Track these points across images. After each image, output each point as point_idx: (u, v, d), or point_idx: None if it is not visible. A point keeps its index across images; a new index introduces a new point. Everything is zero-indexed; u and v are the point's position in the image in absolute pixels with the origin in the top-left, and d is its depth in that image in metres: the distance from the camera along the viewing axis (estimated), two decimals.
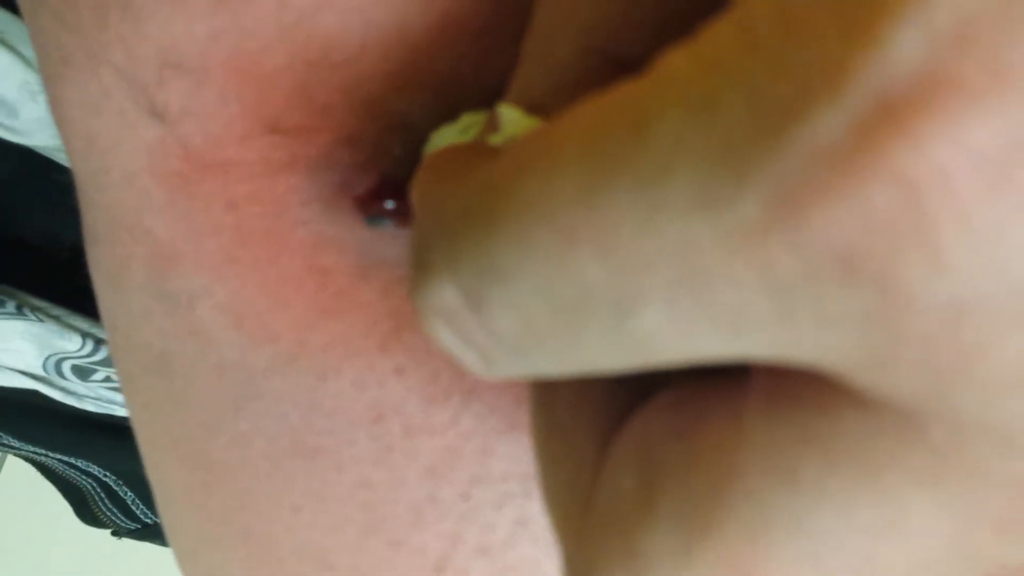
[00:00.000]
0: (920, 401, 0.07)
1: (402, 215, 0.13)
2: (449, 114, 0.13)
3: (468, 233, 0.08)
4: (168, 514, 0.19)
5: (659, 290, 0.07)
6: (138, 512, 0.34)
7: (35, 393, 0.29)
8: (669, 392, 0.09)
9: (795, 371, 0.08)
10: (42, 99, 0.27)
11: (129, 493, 0.33)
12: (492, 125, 0.11)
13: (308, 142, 0.14)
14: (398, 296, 0.14)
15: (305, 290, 0.15)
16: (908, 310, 0.06)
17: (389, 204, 0.13)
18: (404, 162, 0.14)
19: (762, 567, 0.08)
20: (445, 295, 0.09)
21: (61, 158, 0.28)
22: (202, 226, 0.15)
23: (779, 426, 0.08)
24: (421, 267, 0.09)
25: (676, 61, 0.07)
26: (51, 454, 0.32)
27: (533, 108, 0.11)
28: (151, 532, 0.35)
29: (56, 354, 0.28)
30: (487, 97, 0.13)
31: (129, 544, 0.37)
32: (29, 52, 0.26)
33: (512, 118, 0.11)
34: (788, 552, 0.08)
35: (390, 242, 0.14)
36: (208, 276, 0.15)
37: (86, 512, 0.34)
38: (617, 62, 0.11)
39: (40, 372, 0.28)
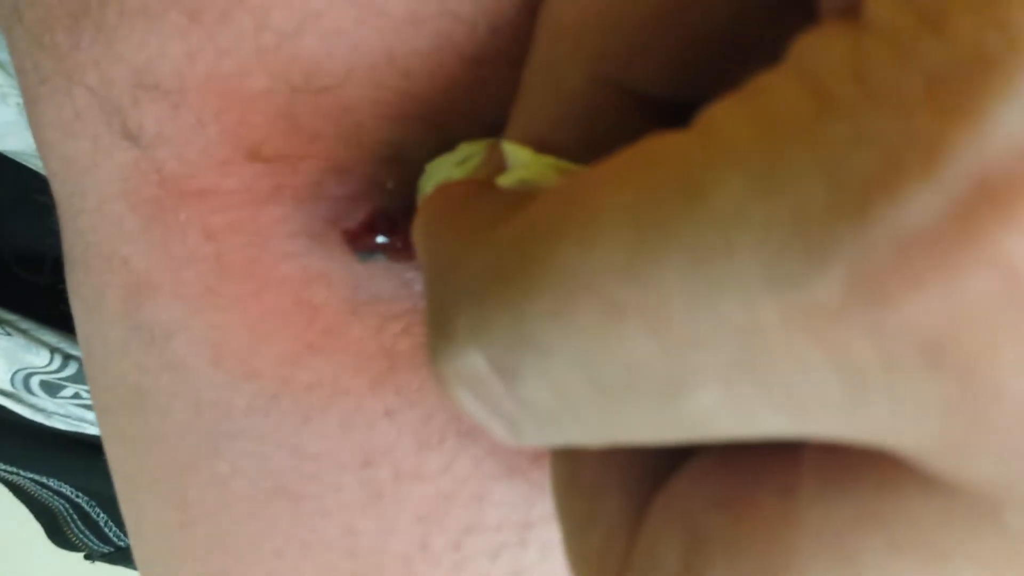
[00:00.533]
0: (997, 487, 0.07)
1: (396, 250, 0.13)
2: (444, 145, 0.12)
3: (498, 299, 0.08)
4: (142, 553, 0.18)
5: (716, 370, 0.07)
6: (111, 535, 0.33)
7: (2, 409, 0.28)
8: (709, 458, 0.09)
9: (852, 449, 0.07)
10: (13, 101, 0.26)
11: (102, 515, 0.32)
12: (497, 162, 0.10)
13: (293, 171, 0.13)
14: (392, 334, 0.14)
15: (291, 326, 0.14)
16: (996, 401, 0.06)
17: (382, 238, 0.12)
18: (397, 195, 0.13)
19: None
20: (471, 363, 0.08)
21: (35, 163, 0.27)
22: (179, 256, 0.14)
23: (837, 505, 0.07)
24: (443, 332, 0.08)
25: (730, 118, 0.07)
26: (23, 473, 0.31)
27: (541, 145, 0.10)
28: (124, 555, 0.34)
29: (24, 369, 0.27)
30: (485, 127, 0.13)
31: (102, 568, 0.36)
32: (1, 55, 0.25)
33: (521, 158, 0.10)
34: None
35: (383, 277, 0.13)
36: (185, 308, 0.14)
37: (59, 535, 0.33)
38: (634, 95, 0.10)
39: (8, 388, 0.27)
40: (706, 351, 0.06)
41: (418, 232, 0.10)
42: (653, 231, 0.07)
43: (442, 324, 0.08)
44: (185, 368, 0.15)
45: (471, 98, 0.13)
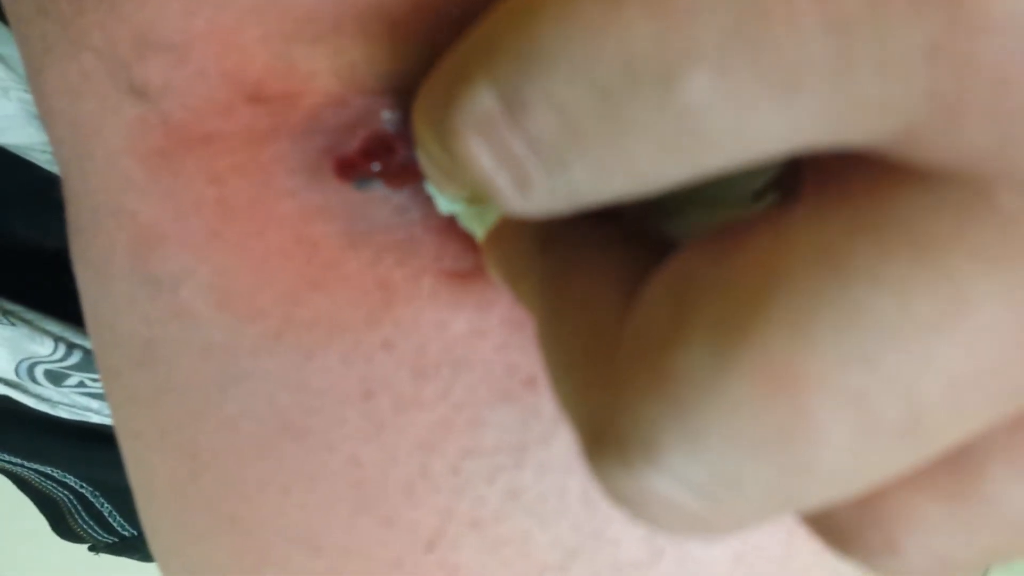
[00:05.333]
0: (987, 161, 0.07)
1: (392, 176, 0.13)
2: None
3: (507, 28, 0.08)
4: (149, 512, 0.18)
5: (710, 48, 0.07)
6: (115, 524, 0.33)
7: (7, 399, 0.28)
8: (699, 238, 0.09)
9: (846, 168, 0.08)
10: (14, 95, 0.27)
11: (106, 504, 0.32)
12: None
13: (291, 108, 0.14)
14: (387, 264, 0.14)
15: (292, 263, 0.14)
16: (980, 31, 0.06)
17: (377, 165, 0.13)
18: (392, 123, 0.14)
19: (805, 370, 0.07)
20: (483, 101, 0.08)
21: (36, 157, 0.28)
22: (185, 203, 0.15)
23: (828, 220, 0.07)
24: (458, 79, 0.09)
25: None
26: (26, 463, 0.31)
27: None
28: (129, 546, 0.34)
29: (29, 358, 0.27)
30: None
31: (107, 560, 0.36)
32: (2, 49, 0.26)
33: None
34: (836, 351, 0.07)
35: (379, 205, 0.14)
36: (192, 256, 0.15)
37: (63, 526, 0.33)
38: None
39: (13, 378, 0.28)
40: (702, 25, 0.07)
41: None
42: None
43: (458, 76, 0.08)
44: (192, 315, 0.15)
45: (461, 28, 0.13)
